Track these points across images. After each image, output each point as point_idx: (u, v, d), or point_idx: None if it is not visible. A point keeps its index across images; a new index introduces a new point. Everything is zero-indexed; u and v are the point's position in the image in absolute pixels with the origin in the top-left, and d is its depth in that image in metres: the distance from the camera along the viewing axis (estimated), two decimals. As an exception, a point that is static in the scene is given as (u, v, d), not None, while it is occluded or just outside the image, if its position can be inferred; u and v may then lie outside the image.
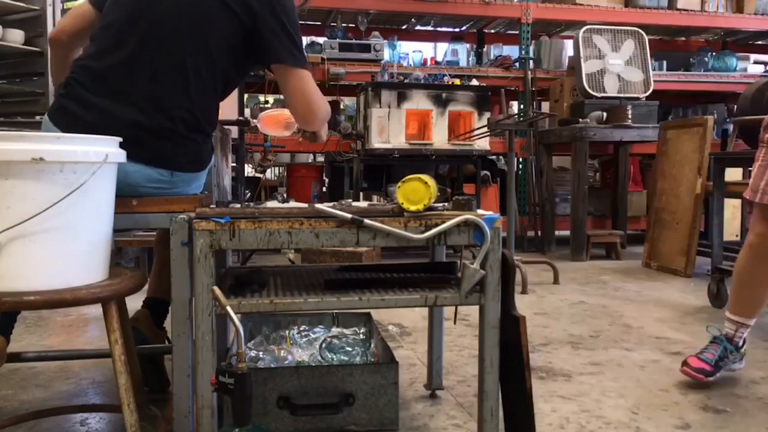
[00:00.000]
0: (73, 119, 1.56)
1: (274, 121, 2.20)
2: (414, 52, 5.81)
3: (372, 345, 1.97)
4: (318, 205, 1.40)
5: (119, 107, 1.58)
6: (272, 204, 1.53)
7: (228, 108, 3.73)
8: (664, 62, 5.93)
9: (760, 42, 6.85)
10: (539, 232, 5.26)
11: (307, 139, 2.14)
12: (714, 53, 6.18)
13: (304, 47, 1.82)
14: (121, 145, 1.40)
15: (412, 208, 1.41)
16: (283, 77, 1.71)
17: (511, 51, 5.94)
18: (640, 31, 5.13)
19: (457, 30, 6.42)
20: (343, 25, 5.61)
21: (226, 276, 1.68)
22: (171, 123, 1.61)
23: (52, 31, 1.81)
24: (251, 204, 1.49)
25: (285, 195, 1.57)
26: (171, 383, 1.61)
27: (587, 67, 4.95)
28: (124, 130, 1.46)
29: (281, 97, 3.76)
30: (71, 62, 1.76)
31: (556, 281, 3.88)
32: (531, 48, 5.61)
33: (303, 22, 5.69)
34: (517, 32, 5.64)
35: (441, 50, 6.51)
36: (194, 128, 1.66)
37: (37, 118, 1.68)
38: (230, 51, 1.68)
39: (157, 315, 1.95)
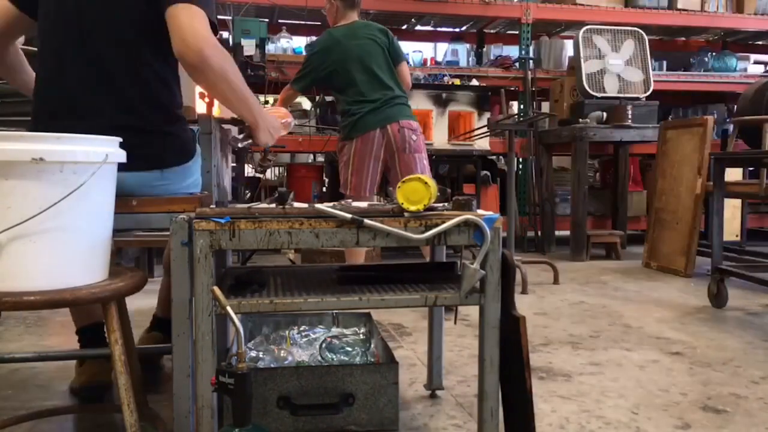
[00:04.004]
0: None
1: None
2: (414, 52, 5.81)
3: (372, 345, 1.97)
4: (318, 205, 1.40)
5: (92, 124, 1.55)
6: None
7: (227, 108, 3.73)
8: (664, 62, 5.93)
9: (760, 42, 6.84)
10: (539, 232, 5.26)
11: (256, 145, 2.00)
12: (714, 53, 6.19)
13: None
14: None
15: (412, 208, 1.41)
16: (172, 18, 1.52)
17: (511, 51, 5.94)
18: (640, 31, 5.13)
19: (457, 30, 6.42)
20: (344, 25, 5.60)
21: (226, 276, 1.68)
22: (145, 123, 1.62)
23: None
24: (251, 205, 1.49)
25: (291, 195, 1.54)
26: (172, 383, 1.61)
27: (587, 67, 4.95)
28: None
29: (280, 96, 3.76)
30: (8, 61, 1.78)
31: (556, 281, 3.88)
32: (531, 48, 5.60)
33: (303, 23, 5.69)
34: (517, 32, 5.63)
35: (441, 50, 6.51)
36: (168, 120, 1.67)
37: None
38: (145, 25, 1.61)
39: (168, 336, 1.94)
